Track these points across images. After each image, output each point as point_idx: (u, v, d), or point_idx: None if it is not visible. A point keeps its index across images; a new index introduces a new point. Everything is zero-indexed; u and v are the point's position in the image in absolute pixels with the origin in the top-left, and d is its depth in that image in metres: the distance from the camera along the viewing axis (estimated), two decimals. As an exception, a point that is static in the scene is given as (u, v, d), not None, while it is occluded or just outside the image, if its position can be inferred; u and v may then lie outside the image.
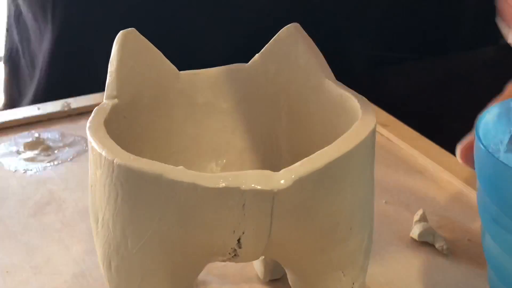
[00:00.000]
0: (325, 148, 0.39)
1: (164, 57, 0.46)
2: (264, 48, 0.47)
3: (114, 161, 0.38)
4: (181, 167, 0.38)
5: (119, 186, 0.39)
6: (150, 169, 0.38)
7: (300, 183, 0.38)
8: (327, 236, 0.41)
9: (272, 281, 0.50)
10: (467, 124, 0.64)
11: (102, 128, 0.41)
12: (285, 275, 0.48)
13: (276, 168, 0.49)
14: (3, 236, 0.54)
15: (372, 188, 0.43)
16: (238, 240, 0.40)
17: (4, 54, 0.89)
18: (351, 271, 0.43)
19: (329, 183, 0.39)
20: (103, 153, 0.39)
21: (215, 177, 0.37)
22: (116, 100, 0.44)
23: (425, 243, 0.52)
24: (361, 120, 0.41)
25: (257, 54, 0.48)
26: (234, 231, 0.39)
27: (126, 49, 0.44)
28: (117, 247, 0.41)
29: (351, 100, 0.44)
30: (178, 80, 0.47)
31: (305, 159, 0.39)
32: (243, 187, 0.37)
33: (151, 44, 0.46)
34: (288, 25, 0.46)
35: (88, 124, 0.42)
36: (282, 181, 0.38)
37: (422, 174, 0.62)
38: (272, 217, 0.39)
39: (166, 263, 0.41)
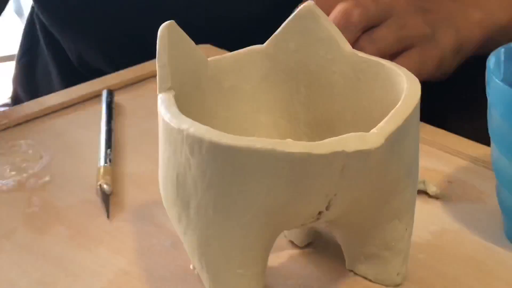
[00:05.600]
0: (395, 108, 0.43)
1: (196, 46, 0.48)
2: (282, 26, 0.50)
3: (221, 143, 0.40)
4: (289, 139, 0.40)
5: (222, 169, 0.40)
6: (261, 145, 0.40)
7: (388, 140, 0.42)
8: (393, 187, 0.45)
9: (303, 246, 0.53)
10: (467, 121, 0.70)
11: (186, 117, 0.42)
12: (314, 240, 0.52)
13: (296, 139, 0.52)
14: (13, 251, 0.53)
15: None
16: (328, 203, 0.43)
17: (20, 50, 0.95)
18: (405, 218, 0.47)
19: (402, 138, 0.43)
20: (206, 138, 0.40)
21: (323, 144, 0.40)
22: (173, 92, 0.45)
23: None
24: (409, 84, 0.45)
25: (274, 34, 0.50)
26: (327, 195, 0.42)
27: (170, 42, 0.46)
28: (217, 228, 0.42)
29: (379, 65, 0.48)
30: (207, 67, 0.49)
31: (387, 118, 0.43)
32: (347, 149, 0.41)
33: (186, 35, 0.47)
34: (306, 3, 0.49)
35: (168, 115, 0.43)
36: (376, 140, 0.41)
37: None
38: (363, 176, 0.42)
39: (265, 234, 0.43)
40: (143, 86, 0.75)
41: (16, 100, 0.95)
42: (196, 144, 0.41)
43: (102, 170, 0.60)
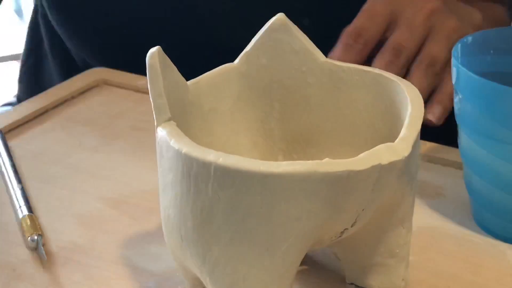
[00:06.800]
0: (410, 115, 0.43)
1: (177, 71, 0.45)
2: (253, 42, 0.48)
3: (260, 172, 0.38)
4: (327, 158, 0.39)
5: (260, 198, 0.38)
6: (301, 169, 0.38)
7: (412, 147, 0.41)
8: (400, 195, 0.45)
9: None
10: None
11: (208, 149, 0.40)
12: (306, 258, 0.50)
13: (272, 156, 0.50)
14: None
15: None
16: (355, 219, 0.42)
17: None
18: (407, 223, 0.47)
19: (415, 145, 0.43)
20: (242, 168, 0.38)
21: (360, 160, 0.39)
22: (174, 122, 0.42)
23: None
24: (407, 88, 0.45)
25: (246, 49, 0.48)
26: (357, 210, 0.41)
27: (160, 69, 0.42)
28: (254, 261, 0.40)
29: (361, 72, 0.48)
30: (188, 92, 0.46)
31: (405, 127, 0.42)
32: (383, 162, 0.40)
33: (170, 60, 0.44)
34: (277, 15, 0.48)
35: (186, 148, 0.40)
36: (405, 148, 0.41)
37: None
38: (387, 188, 0.41)
39: (299, 259, 0.41)
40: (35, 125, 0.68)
41: (20, 100, 0.90)
42: (227, 175, 0.38)
43: (27, 221, 0.53)
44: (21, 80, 0.92)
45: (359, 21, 0.63)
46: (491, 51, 0.54)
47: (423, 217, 0.55)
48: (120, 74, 0.75)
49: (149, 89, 0.42)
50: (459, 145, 0.54)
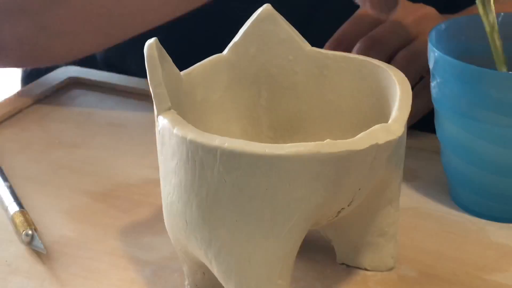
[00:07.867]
0: (401, 97, 0.45)
1: (172, 62, 0.46)
2: (242, 32, 0.49)
3: (265, 154, 0.39)
4: (328, 140, 0.40)
5: (265, 180, 0.40)
6: (305, 150, 0.39)
7: (405, 128, 0.43)
8: (389, 176, 0.46)
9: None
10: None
11: (212, 134, 0.41)
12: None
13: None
14: None
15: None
16: (352, 198, 0.44)
17: None
18: (396, 203, 0.49)
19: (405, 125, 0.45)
20: (248, 151, 0.39)
21: (358, 140, 0.41)
22: (175, 111, 0.43)
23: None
24: (394, 72, 0.47)
25: (234, 40, 0.50)
26: (354, 190, 0.43)
27: (158, 60, 0.44)
28: (259, 242, 0.41)
29: (346, 59, 0.49)
30: (182, 82, 0.47)
31: (396, 108, 0.44)
32: (379, 141, 0.41)
33: (165, 52, 0.45)
34: (264, 6, 0.49)
35: (191, 135, 0.41)
36: (399, 128, 0.43)
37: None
38: (382, 167, 0.43)
39: (300, 240, 0.43)
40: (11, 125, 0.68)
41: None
42: (233, 159, 0.40)
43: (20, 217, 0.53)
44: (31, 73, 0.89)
45: (341, 28, 0.64)
46: (463, 38, 0.57)
47: (403, 199, 0.56)
48: (91, 72, 0.76)
49: (148, 79, 0.43)
50: (436, 128, 0.56)
